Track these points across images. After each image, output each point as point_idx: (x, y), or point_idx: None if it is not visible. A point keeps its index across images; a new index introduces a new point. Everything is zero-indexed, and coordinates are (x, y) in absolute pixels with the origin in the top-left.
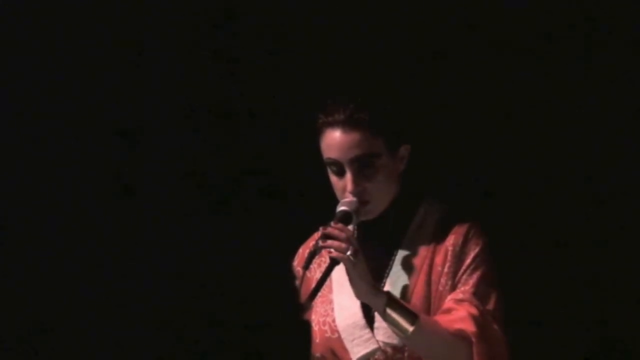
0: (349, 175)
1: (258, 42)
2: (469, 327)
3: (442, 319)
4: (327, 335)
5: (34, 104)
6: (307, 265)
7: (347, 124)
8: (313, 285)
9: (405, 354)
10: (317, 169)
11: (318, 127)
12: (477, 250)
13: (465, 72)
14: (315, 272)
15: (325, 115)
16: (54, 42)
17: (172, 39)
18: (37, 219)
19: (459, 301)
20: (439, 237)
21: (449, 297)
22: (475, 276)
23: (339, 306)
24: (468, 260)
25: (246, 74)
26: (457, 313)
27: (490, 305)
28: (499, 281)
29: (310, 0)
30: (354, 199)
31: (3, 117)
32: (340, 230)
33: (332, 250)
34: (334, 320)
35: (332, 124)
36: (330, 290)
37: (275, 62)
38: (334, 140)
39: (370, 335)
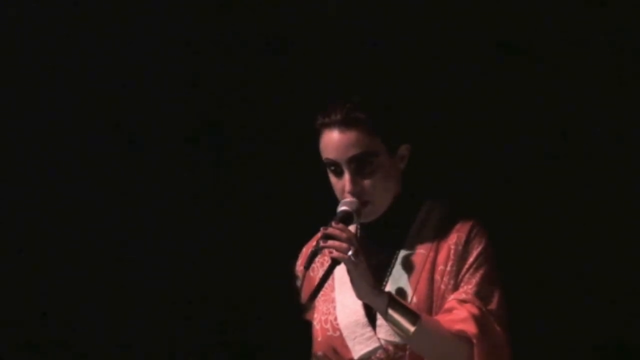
0: (347, 175)
1: (257, 42)
2: (470, 328)
3: (443, 319)
4: (328, 333)
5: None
6: (308, 265)
7: (344, 124)
8: (315, 284)
9: (407, 352)
10: (320, 169)
11: (317, 128)
12: (479, 249)
13: (466, 70)
14: (318, 271)
15: (323, 116)
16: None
17: (170, 39)
18: (36, 218)
19: (461, 301)
20: (441, 236)
21: (451, 297)
22: (477, 275)
23: (341, 304)
24: (471, 259)
25: (246, 74)
26: (459, 313)
27: (493, 305)
28: (501, 280)
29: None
30: (354, 199)
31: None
32: (341, 230)
33: (333, 250)
34: (335, 319)
35: (330, 125)
36: (333, 289)
37: (275, 62)
38: (332, 140)
39: (372, 333)
